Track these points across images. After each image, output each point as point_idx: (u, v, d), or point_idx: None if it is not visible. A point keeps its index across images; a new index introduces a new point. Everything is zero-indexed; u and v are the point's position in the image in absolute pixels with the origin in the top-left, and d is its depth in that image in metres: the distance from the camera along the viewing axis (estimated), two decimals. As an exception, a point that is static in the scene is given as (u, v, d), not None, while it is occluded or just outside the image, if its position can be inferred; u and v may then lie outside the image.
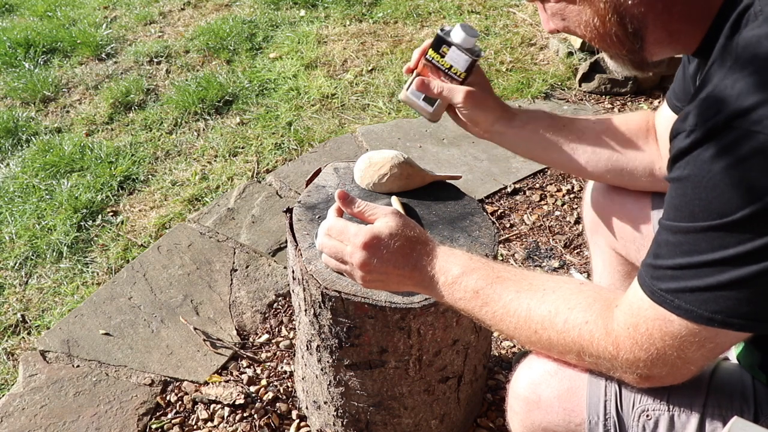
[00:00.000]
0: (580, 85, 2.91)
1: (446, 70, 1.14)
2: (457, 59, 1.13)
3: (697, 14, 0.78)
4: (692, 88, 0.98)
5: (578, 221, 2.17)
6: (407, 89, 1.19)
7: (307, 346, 1.30)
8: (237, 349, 1.73)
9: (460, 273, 0.90)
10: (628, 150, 1.15)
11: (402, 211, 1.08)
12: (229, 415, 1.56)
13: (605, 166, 1.17)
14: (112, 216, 2.28)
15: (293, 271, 1.24)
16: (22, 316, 1.91)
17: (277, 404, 1.58)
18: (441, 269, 0.91)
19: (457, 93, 1.14)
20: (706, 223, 0.68)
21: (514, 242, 2.09)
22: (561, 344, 0.83)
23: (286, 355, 1.72)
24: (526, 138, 1.18)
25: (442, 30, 1.13)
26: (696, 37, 0.80)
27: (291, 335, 1.78)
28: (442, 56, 1.13)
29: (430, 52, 1.14)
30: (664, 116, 1.12)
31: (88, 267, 2.07)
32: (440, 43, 1.13)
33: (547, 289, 0.85)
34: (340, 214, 1.01)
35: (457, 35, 1.12)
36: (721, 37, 0.75)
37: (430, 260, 0.92)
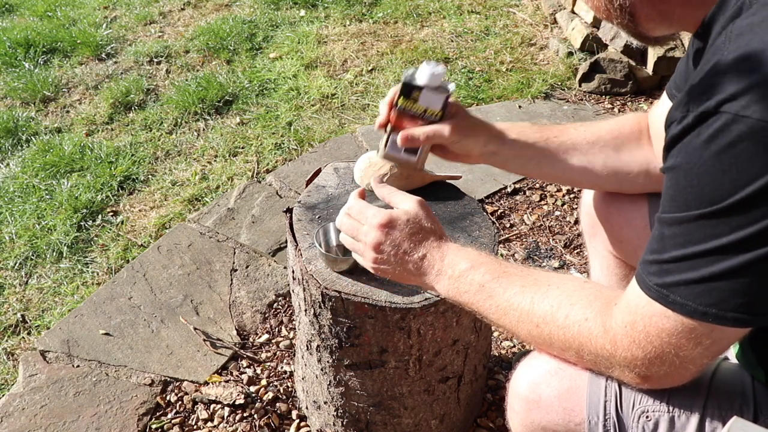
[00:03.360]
0: (580, 85, 2.90)
1: (422, 115, 1.10)
2: (430, 100, 1.08)
3: (696, 0, 0.79)
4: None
5: (578, 221, 2.17)
6: (386, 147, 1.14)
7: (307, 346, 1.30)
8: (237, 349, 1.73)
9: (467, 267, 0.91)
10: (622, 155, 1.15)
11: None
12: (229, 415, 1.56)
13: (601, 174, 1.16)
14: (112, 216, 2.28)
15: (293, 271, 1.24)
16: (22, 316, 1.91)
17: (277, 404, 1.58)
18: (450, 263, 0.92)
19: (444, 130, 1.10)
20: (698, 211, 0.68)
21: (514, 242, 2.09)
22: (561, 340, 0.83)
23: (286, 355, 1.72)
24: (518, 154, 1.16)
25: (406, 76, 1.08)
26: (695, 19, 0.81)
27: (291, 335, 1.78)
28: (415, 101, 1.08)
29: (401, 100, 1.09)
30: (660, 111, 1.12)
31: (88, 267, 2.07)
32: (410, 89, 1.08)
33: (551, 285, 0.86)
34: (362, 196, 1.02)
35: (423, 77, 1.07)
36: (717, 24, 0.75)
37: (439, 253, 0.94)
